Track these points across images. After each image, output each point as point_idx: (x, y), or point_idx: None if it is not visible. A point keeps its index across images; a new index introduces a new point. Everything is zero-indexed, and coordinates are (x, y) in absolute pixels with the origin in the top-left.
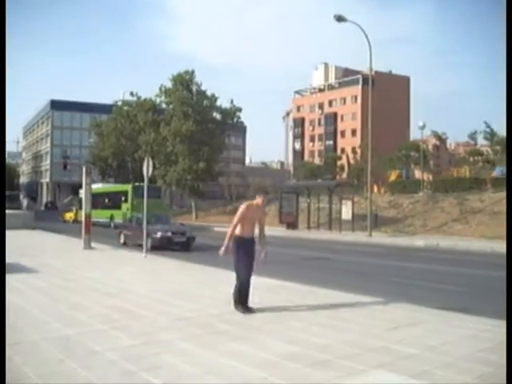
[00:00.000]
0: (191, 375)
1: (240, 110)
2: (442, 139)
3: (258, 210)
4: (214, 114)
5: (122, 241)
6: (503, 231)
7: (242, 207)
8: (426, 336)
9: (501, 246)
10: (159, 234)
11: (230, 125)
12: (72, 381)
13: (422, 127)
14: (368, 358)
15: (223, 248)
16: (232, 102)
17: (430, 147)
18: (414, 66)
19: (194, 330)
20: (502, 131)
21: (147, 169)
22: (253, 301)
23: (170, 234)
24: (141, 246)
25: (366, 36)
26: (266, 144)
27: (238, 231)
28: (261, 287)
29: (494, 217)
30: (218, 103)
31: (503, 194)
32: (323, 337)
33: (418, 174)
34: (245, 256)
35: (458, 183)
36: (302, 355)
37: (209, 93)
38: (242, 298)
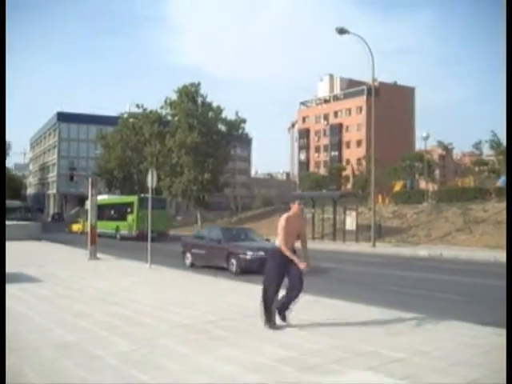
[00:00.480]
0: (186, 378)
1: (245, 121)
2: (447, 149)
3: (297, 220)
4: (220, 126)
5: (188, 262)
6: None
7: (282, 221)
8: (420, 342)
9: (504, 256)
10: (249, 255)
11: (235, 136)
12: (71, 381)
13: (426, 138)
14: (357, 361)
15: (301, 265)
16: (237, 113)
17: (436, 157)
18: (419, 77)
19: (192, 336)
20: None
21: (151, 180)
22: (255, 309)
23: (262, 253)
24: (213, 268)
25: (369, 47)
26: (272, 155)
27: (277, 243)
28: None
29: (497, 226)
30: (223, 115)
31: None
32: (316, 343)
33: (422, 184)
34: (280, 267)
35: (462, 193)
36: (296, 359)
37: (214, 104)
38: (265, 309)
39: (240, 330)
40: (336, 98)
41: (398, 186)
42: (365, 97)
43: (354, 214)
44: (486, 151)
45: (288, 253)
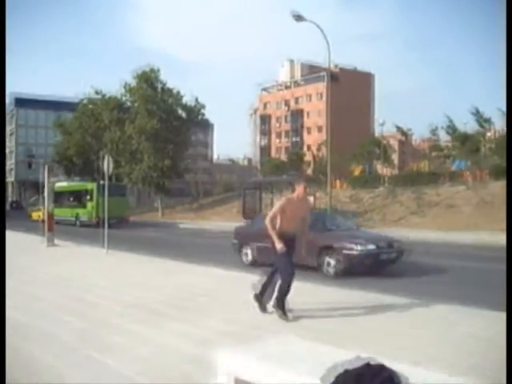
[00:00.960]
0: (134, 351)
1: (204, 107)
2: (405, 135)
3: (300, 204)
4: (180, 112)
5: (247, 259)
6: (457, 223)
7: (282, 200)
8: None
9: (454, 237)
10: (357, 249)
11: (196, 122)
12: (23, 356)
13: (382, 124)
14: (300, 333)
15: (278, 245)
16: (197, 99)
17: (396, 143)
18: (381, 63)
19: (142, 315)
20: (462, 127)
21: (107, 167)
22: (207, 288)
23: (373, 247)
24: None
25: (324, 34)
26: (234, 141)
27: (278, 226)
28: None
29: (449, 210)
30: (183, 101)
31: (458, 188)
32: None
33: (381, 169)
34: (287, 254)
35: (417, 178)
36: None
37: (174, 90)
38: (280, 301)
39: (188, 308)
40: (297, 84)
41: (357, 171)
42: (325, 83)
43: (311, 198)
44: (445, 137)
45: (270, 231)
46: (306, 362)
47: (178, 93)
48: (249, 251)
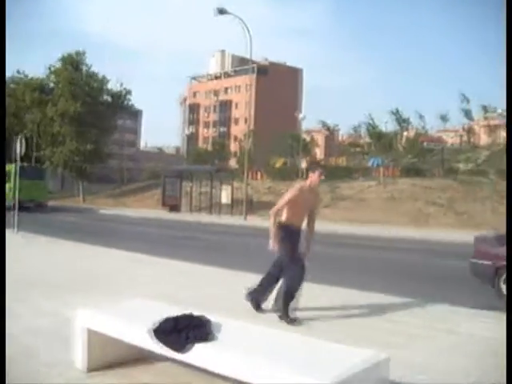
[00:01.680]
0: (33, 320)
1: (130, 92)
2: (330, 130)
3: (311, 193)
4: (105, 97)
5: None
6: (365, 216)
7: (295, 188)
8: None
9: (359, 229)
10: None
11: (122, 108)
12: None
13: (303, 118)
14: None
15: (271, 240)
16: (122, 84)
17: (322, 138)
18: (312, 59)
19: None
20: (382, 125)
21: (20, 148)
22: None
23: None
24: None
25: (247, 28)
26: (163, 129)
27: (284, 218)
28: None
29: (360, 203)
30: (109, 86)
31: (370, 183)
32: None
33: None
34: (294, 250)
35: (334, 172)
36: None
37: (100, 75)
38: (286, 304)
39: (82, 289)
40: (227, 75)
41: (279, 163)
42: (254, 75)
43: (229, 188)
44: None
45: (272, 220)
46: (141, 316)
47: (104, 77)
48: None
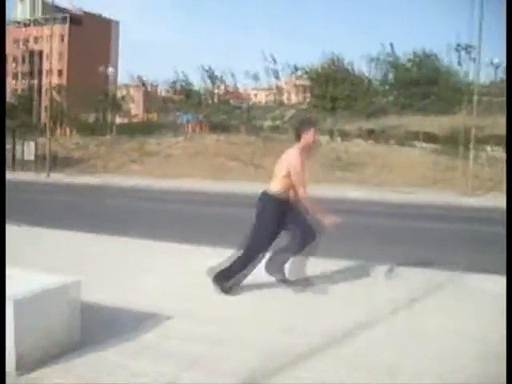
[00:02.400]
0: None
1: None
2: (145, 85)
3: (306, 157)
4: None
5: None
6: (170, 171)
7: (297, 157)
8: None
9: (162, 183)
10: None
11: None
12: None
13: (113, 72)
14: None
15: (327, 219)
16: None
17: (141, 94)
18: (133, 13)
19: None
20: (196, 82)
21: None
22: None
23: None
24: None
25: None
26: None
27: (277, 187)
28: None
29: (166, 159)
30: None
31: (178, 139)
32: None
33: (116, 118)
34: (279, 224)
35: (143, 128)
36: None
37: None
38: (231, 273)
39: None
40: (37, 23)
41: (91, 119)
42: (67, 25)
43: (32, 144)
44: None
45: (308, 202)
46: None
47: None
48: None
